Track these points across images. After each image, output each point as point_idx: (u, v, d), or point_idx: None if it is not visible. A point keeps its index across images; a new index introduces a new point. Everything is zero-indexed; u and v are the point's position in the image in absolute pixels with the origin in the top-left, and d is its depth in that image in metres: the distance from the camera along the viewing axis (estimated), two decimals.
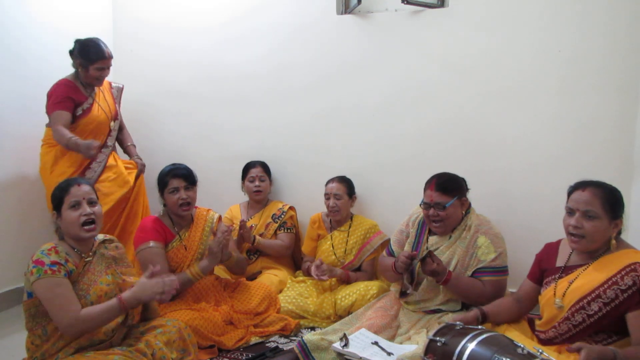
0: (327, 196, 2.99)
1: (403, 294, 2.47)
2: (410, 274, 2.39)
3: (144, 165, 3.21)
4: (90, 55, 2.84)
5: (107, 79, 3.07)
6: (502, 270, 2.31)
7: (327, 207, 2.99)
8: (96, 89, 2.99)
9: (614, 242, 1.81)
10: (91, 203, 1.96)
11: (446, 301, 2.36)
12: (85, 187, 1.97)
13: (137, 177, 3.14)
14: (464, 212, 2.41)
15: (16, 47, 2.96)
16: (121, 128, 3.21)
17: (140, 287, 1.89)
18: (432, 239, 2.44)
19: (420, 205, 2.45)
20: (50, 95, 2.82)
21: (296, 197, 3.37)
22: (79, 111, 2.88)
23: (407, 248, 2.50)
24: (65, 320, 1.77)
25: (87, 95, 2.92)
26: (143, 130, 3.53)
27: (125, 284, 2.01)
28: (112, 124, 3.05)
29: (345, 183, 3.02)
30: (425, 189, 2.42)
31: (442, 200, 2.33)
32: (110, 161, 3.04)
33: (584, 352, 1.62)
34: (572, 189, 1.89)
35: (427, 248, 2.41)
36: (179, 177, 2.57)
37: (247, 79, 3.39)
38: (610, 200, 1.79)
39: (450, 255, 2.37)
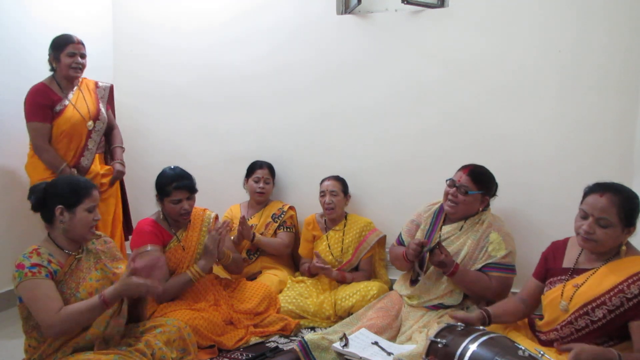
0: (323, 194, 3.01)
1: (413, 282, 2.50)
2: (421, 261, 2.43)
3: (120, 172, 3.02)
4: (59, 42, 2.79)
5: (96, 78, 3.02)
6: (510, 269, 2.33)
7: (323, 204, 3.00)
8: (75, 89, 2.88)
9: (624, 248, 1.79)
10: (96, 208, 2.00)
11: (449, 292, 2.37)
12: (98, 193, 2.01)
13: (111, 184, 2.98)
14: (480, 209, 2.44)
15: (16, 46, 2.95)
16: (111, 128, 3.09)
17: (122, 285, 1.83)
18: (445, 228, 2.48)
19: (446, 181, 2.46)
20: (25, 103, 2.75)
21: (296, 197, 3.37)
22: (56, 114, 2.77)
23: (420, 235, 2.53)
24: (45, 320, 1.77)
25: (62, 96, 2.81)
26: (142, 131, 3.52)
27: (117, 277, 2.00)
28: (89, 124, 2.86)
29: (341, 181, 3.05)
30: (458, 170, 2.46)
31: (469, 186, 2.37)
32: (92, 167, 2.91)
33: (572, 354, 1.60)
34: (589, 191, 1.84)
35: (440, 237, 2.43)
36: (183, 189, 2.53)
37: (247, 79, 3.38)
38: (626, 209, 1.75)
39: (460, 246, 2.39)
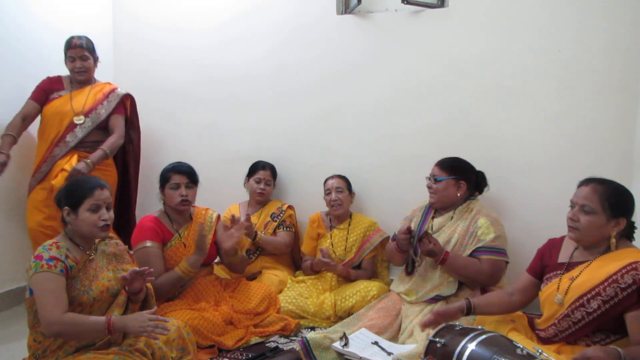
0: (328, 191, 3.02)
1: (410, 273, 2.57)
2: (415, 251, 2.53)
3: (76, 171, 2.74)
4: (64, 47, 2.89)
5: (114, 82, 3.08)
6: (501, 252, 2.38)
7: (329, 202, 3.01)
8: (85, 87, 2.95)
9: (613, 240, 1.81)
10: (108, 208, 1.99)
11: (444, 282, 2.43)
12: (107, 192, 2.00)
13: (65, 180, 2.71)
14: (459, 194, 2.53)
15: (17, 46, 2.95)
16: (112, 132, 3.00)
17: (133, 320, 1.83)
18: (437, 220, 2.57)
19: (426, 177, 2.65)
20: None
21: (296, 197, 3.37)
22: (48, 100, 2.89)
23: (413, 226, 2.61)
24: (46, 317, 1.77)
25: (66, 87, 2.91)
26: (142, 130, 3.52)
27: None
28: (76, 118, 2.86)
29: (344, 179, 3.08)
30: None
31: (437, 174, 2.57)
32: (66, 164, 2.81)
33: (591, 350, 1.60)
34: (579, 184, 1.91)
35: (431, 227, 2.53)
36: (181, 173, 2.60)
37: (247, 79, 3.38)
38: (610, 198, 1.79)
39: (451, 234, 2.48)
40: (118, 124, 3.05)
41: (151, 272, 1.96)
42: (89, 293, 1.89)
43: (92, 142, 2.94)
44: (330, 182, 3.05)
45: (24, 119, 2.84)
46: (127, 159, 3.24)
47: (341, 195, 2.99)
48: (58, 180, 2.75)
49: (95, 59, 3.00)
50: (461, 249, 2.42)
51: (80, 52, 2.89)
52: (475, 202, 2.56)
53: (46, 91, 2.89)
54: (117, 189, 3.17)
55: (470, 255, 2.39)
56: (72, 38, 2.90)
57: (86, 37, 2.95)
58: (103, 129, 3.00)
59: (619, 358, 1.60)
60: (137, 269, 1.94)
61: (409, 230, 2.47)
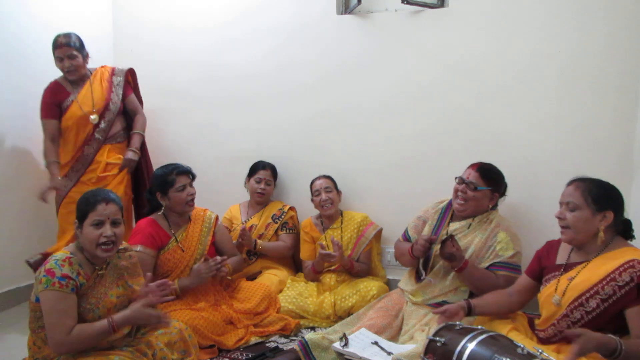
0: (317, 192, 3.03)
1: (418, 280, 2.49)
2: (425, 260, 2.43)
3: (129, 160, 2.96)
4: (51, 48, 2.83)
5: (113, 64, 3.11)
6: (517, 269, 2.34)
7: (318, 203, 3.02)
8: (87, 82, 2.92)
9: (601, 234, 1.82)
10: (115, 223, 1.90)
11: (453, 289, 2.38)
12: (113, 207, 1.90)
13: (119, 171, 2.94)
14: (490, 206, 2.45)
15: (17, 46, 2.96)
16: (133, 113, 3.09)
17: (134, 313, 1.86)
18: (453, 225, 2.48)
19: (455, 178, 2.49)
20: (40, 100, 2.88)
21: (295, 197, 3.37)
22: (63, 110, 2.88)
23: (427, 230, 2.54)
24: (56, 336, 1.75)
25: (70, 91, 2.88)
26: None
27: (135, 294, 1.99)
28: (93, 118, 2.87)
29: (331, 178, 3.10)
30: (467, 168, 2.49)
31: (477, 182, 2.40)
32: (99, 157, 2.91)
33: (576, 346, 1.57)
34: (566, 186, 1.95)
35: (447, 232, 2.44)
36: (184, 173, 2.60)
37: (247, 79, 3.39)
38: (593, 192, 1.83)
39: (468, 243, 2.40)
40: (134, 102, 3.13)
41: (168, 286, 1.96)
42: (94, 312, 1.85)
43: (117, 131, 3.01)
44: (317, 182, 3.06)
45: (53, 140, 2.87)
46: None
47: (331, 195, 3.01)
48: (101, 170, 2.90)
49: (85, 56, 2.90)
50: (477, 261, 2.35)
51: (67, 51, 2.79)
52: (495, 212, 2.46)
53: (57, 104, 2.86)
54: (136, 186, 3.15)
55: (487, 268, 2.33)
56: (58, 37, 2.80)
57: (74, 34, 2.84)
58: (122, 113, 3.06)
59: (615, 348, 1.60)
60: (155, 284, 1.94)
61: (430, 241, 2.38)
